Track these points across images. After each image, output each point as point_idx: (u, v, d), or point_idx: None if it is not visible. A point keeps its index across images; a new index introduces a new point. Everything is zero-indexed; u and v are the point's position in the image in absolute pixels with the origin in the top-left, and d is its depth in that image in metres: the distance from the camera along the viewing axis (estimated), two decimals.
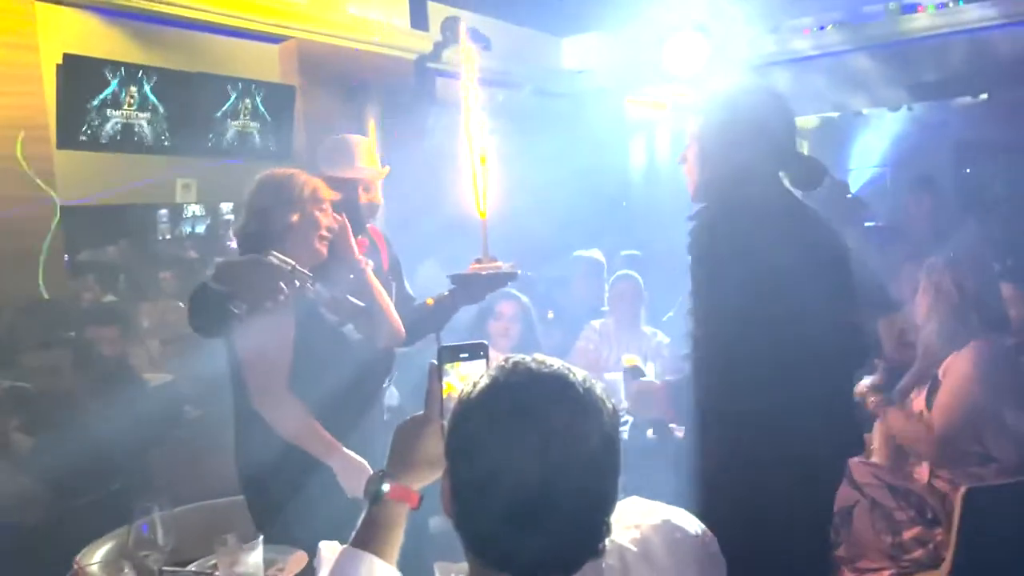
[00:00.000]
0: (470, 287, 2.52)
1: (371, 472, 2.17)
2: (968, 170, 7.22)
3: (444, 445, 1.14)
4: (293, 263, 2.22)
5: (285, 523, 2.19)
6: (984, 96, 7.98)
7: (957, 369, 2.70)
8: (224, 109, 5.33)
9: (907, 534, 2.65)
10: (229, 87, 5.37)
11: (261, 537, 1.94)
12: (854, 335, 2.18)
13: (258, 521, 2.27)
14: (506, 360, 1.13)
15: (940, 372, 2.75)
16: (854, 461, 2.80)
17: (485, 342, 1.33)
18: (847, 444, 2.22)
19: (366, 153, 2.65)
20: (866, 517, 2.70)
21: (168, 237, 9.73)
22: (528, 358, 1.13)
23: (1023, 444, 2.66)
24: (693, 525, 1.23)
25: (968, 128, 7.59)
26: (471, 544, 1.10)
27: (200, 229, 10.17)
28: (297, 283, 2.20)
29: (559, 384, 1.08)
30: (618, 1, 6.52)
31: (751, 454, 2.01)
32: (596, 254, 4.24)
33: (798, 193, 2.17)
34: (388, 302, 2.57)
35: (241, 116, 5.46)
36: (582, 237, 5.62)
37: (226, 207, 9.99)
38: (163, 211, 9.70)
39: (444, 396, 1.29)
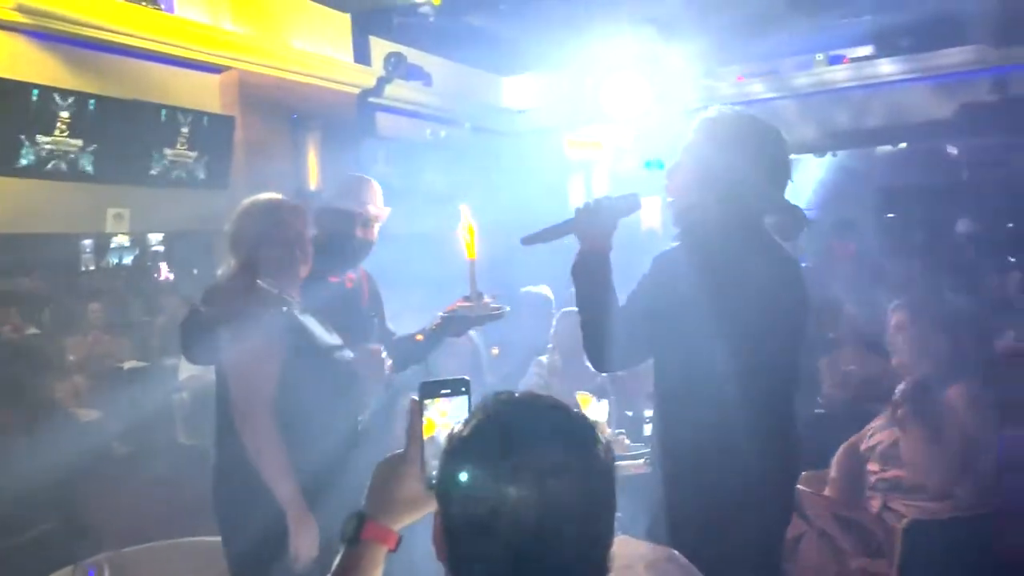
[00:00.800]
0: (458, 324, 2.56)
1: (316, 541, 2.14)
2: (890, 215, 7.54)
3: (435, 486, 1.10)
4: (279, 289, 2.23)
5: (261, 563, 2.11)
6: (903, 145, 8.37)
7: (958, 405, 2.78)
8: (160, 138, 5.21)
9: (852, 564, 2.70)
10: (166, 115, 5.25)
11: None
12: (796, 375, 2.20)
13: (233, 560, 2.19)
14: (496, 396, 1.09)
15: (937, 406, 2.81)
16: (806, 493, 2.86)
17: (467, 378, 1.30)
18: (793, 476, 2.26)
19: (374, 194, 2.73)
20: (813, 547, 2.75)
21: (92, 268, 9.39)
22: (518, 393, 1.10)
23: (982, 483, 2.73)
24: (685, 565, 1.22)
25: (890, 175, 7.94)
26: None
27: (127, 260, 9.83)
28: (284, 308, 2.21)
29: (552, 419, 1.05)
30: (558, 42, 6.66)
31: (706, 487, 2.03)
32: (544, 290, 4.25)
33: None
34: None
35: (178, 145, 5.34)
36: (520, 273, 5.64)
37: (155, 238, 9.71)
38: (87, 241, 9.36)
39: (425, 433, 1.25)
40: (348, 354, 2.39)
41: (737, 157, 2.03)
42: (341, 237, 2.62)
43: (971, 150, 8.35)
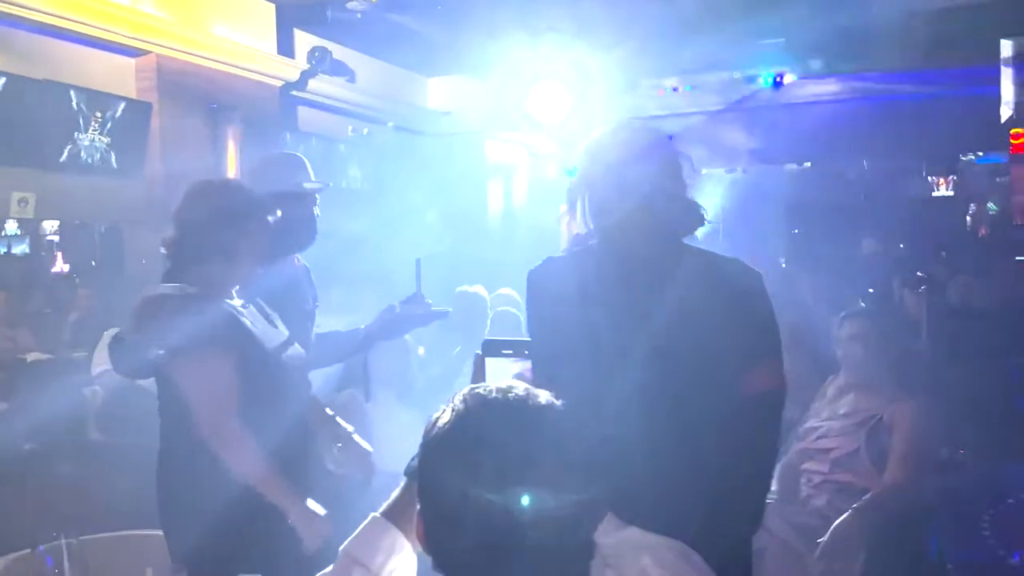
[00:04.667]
0: (401, 324, 2.50)
1: (328, 521, 2.04)
2: (796, 230, 7.87)
3: (413, 475, 1.11)
4: (196, 288, 2.04)
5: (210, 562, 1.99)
6: (808, 164, 8.78)
7: (915, 421, 2.77)
8: (72, 122, 4.97)
9: (813, 570, 2.70)
10: (78, 98, 5.02)
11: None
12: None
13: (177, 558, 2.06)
14: (468, 391, 1.10)
15: (887, 421, 2.81)
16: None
17: (529, 340, 1.30)
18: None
19: (309, 169, 2.58)
20: (778, 560, 2.72)
21: None
22: (490, 387, 1.10)
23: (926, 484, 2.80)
24: (697, 562, 1.22)
25: (797, 192, 8.30)
26: None
27: (19, 250, 9.28)
28: (222, 311, 2.03)
29: (512, 410, 1.06)
30: (483, 47, 6.69)
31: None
32: (480, 290, 4.25)
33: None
34: None
35: (90, 131, 5.11)
36: (444, 273, 5.63)
37: (50, 225, 9.20)
38: None
39: None
40: (297, 349, 2.26)
41: (647, 166, 1.86)
42: (303, 221, 2.46)
43: (869, 173, 8.83)
